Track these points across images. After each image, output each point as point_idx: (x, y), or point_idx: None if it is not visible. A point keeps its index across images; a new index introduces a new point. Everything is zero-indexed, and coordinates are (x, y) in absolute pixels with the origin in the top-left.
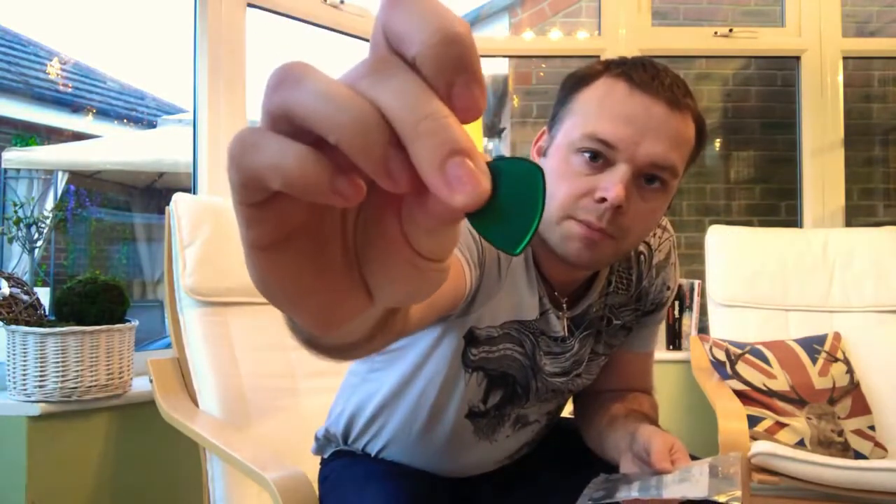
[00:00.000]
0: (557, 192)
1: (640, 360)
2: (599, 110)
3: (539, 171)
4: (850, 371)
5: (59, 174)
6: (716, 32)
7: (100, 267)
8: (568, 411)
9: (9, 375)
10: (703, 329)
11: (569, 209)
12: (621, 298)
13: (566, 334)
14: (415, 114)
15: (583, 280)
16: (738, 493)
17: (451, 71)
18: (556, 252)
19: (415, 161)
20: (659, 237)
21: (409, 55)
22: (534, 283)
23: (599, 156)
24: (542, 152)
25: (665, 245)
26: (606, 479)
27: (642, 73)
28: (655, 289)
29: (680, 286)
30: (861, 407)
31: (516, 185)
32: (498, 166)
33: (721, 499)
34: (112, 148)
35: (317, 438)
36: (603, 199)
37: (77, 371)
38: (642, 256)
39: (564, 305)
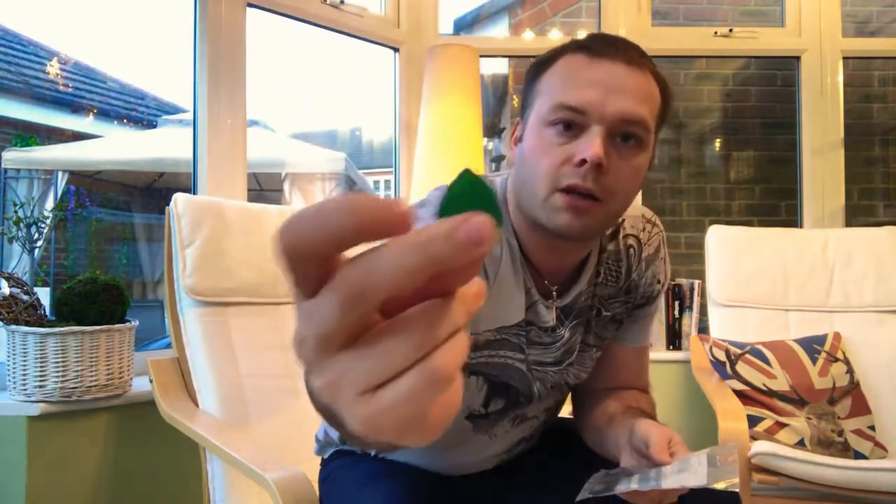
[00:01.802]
0: (539, 167)
1: (635, 355)
2: (564, 83)
3: (466, 171)
4: (849, 371)
5: (59, 174)
6: (716, 32)
7: (100, 267)
8: (567, 412)
9: (9, 375)
10: (703, 329)
11: (552, 180)
12: (611, 290)
13: (556, 323)
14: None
15: (572, 268)
16: (736, 480)
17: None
18: (547, 228)
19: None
20: (648, 231)
21: None
22: (520, 273)
23: (572, 125)
24: (518, 140)
25: (654, 239)
26: (606, 474)
27: (599, 42)
28: (645, 282)
29: (680, 286)
30: (861, 407)
31: (470, 192)
32: (448, 195)
33: (719, 486)
34: (112, 148)
35: (317, 439)
36: (583, 161)
37: (77, 371)
38: (632, 250)
39: (554, 294)
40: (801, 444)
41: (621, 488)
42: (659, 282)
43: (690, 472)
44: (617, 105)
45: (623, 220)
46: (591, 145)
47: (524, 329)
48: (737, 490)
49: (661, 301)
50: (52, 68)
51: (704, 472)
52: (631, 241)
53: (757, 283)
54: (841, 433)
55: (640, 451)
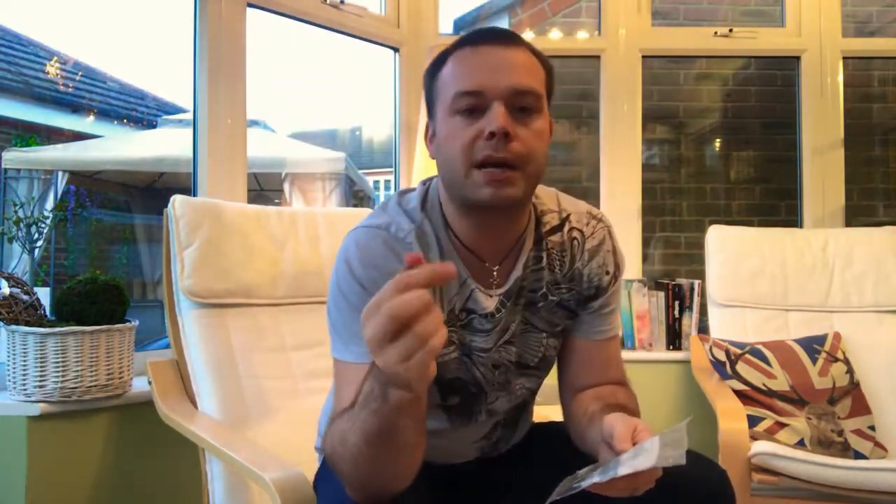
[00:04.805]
0: (454, 149)
1: (603, 347)
2: (458, 75)
3: None
4: (850, 371)
5: (59, 174)
6: (716, 32)
7: (100, 267)
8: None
9: (9, 375)
10: (703, 329)
11: (468, 156)
12: (557, 277)
13: (496, 308)
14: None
15: (509, 247)
16: (681, 452)
17: None
18: (475, 203)
19: None
20: (593, 226)
21: None
22: (455, 262)
23: (473, 110)
24: (432, 137)
25: (599, 233)
26: (576, 476)
27: (477, 34)
28: (591, 271)
29: (680, 286)
30: (861, 407)
31: None
32: None
33: (667, 464)
34: (112, 148)
35: (316, 449)
36: (492, 134)
37: (77, 371)
38: (575, 241)
39: (495, 273)
40: (801, 444)
41: (585, 484)
42: (608, 273)
43: (643, 455)
44: (507, 80)
45: (569, 215)
46: (496, 118)
47: (460, 320)
48: (682, 462)
49: (620, 293)
50: (52, 68)
51: (655, 454)
52: (575, 233)
53: (757, 283)
54: (841, 433)
55: (609, 444)
